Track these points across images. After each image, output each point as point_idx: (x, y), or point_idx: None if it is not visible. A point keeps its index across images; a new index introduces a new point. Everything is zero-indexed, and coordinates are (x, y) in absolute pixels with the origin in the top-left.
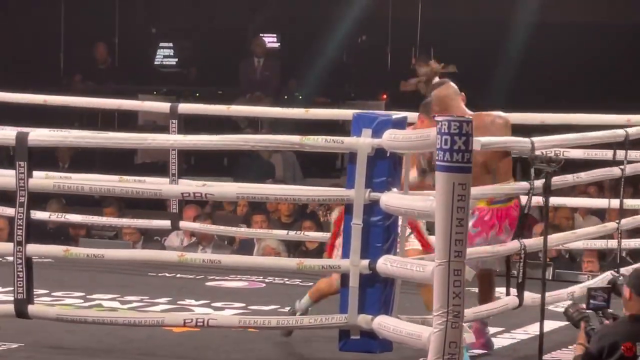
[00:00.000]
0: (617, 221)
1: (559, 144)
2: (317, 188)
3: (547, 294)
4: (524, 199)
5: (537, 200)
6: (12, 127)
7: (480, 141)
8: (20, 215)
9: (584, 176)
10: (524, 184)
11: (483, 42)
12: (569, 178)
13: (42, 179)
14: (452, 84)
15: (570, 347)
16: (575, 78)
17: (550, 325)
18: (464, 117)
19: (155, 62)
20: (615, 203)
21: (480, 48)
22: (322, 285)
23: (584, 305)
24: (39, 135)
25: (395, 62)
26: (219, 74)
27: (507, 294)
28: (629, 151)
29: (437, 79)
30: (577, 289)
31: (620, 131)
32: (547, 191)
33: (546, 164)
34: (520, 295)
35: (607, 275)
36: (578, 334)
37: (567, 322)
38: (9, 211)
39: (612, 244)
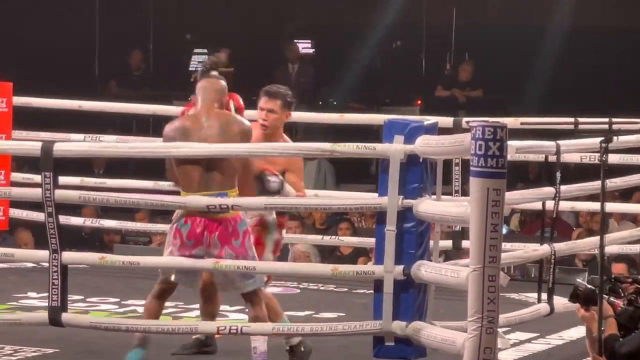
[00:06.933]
0: None
1: (585, 148)
2: (349, 194)
3: None
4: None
5: (572, 205)
6: (47, 133)
7: (514, 146)
8: (51, 225)
9: (618, 182)
10: (550, 189)
11: (517, 46)
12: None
13: (68, 191)
14: (223, 82)
15: None
16: (611, 83)
17: (582, 331)
18: (499, 123)
19: (190, 68)
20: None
21: (515, 52)
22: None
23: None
24: (64, 146)
25: (429, 68)
26: (253, 80)
27: (539, 300)
28: None
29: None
30: None
31: None
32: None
33: None
34: (550, 301)
35: None
36: (594, 310)
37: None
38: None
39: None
